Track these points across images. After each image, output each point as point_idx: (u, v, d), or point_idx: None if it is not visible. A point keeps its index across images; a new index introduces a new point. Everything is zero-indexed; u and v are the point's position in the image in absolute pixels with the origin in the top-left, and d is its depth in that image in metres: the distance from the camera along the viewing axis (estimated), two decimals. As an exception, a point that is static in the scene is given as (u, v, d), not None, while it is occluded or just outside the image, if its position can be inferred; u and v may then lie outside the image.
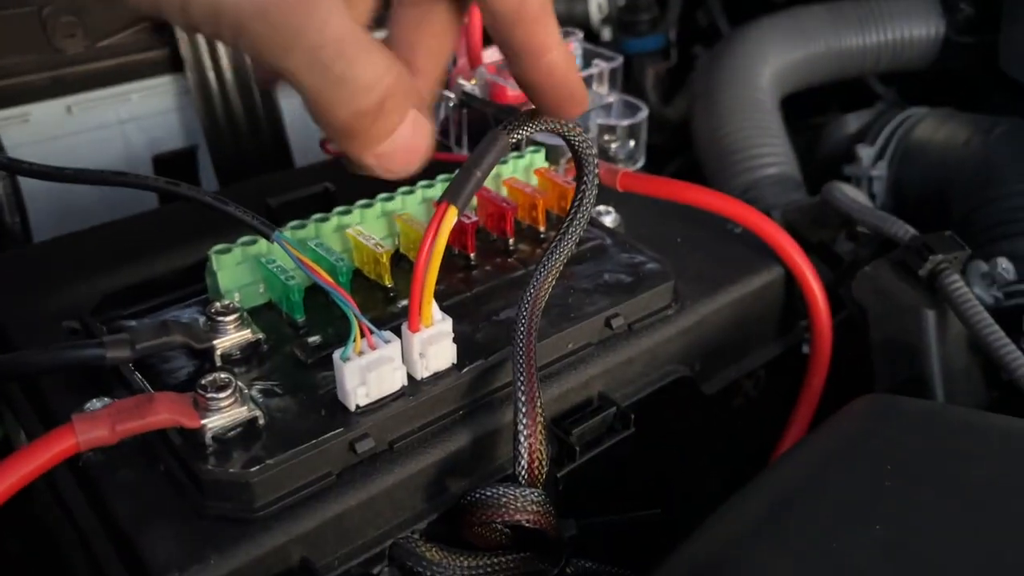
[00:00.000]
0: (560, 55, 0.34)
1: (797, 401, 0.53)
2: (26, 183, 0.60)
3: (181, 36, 0.66)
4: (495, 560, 0.38)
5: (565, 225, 0.40)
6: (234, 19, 0.26)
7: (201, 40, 0.67)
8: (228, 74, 0.69)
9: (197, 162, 0.71)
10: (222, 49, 0.68)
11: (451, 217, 0.35)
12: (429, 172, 0.38)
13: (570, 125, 0.39)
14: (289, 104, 0.71)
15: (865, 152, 0.73)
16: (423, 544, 0.37)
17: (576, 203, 0.40)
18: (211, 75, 0.68)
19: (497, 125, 0.37)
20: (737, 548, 0.35)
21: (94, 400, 0.37)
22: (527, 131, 0.38)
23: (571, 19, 0.92)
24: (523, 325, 0.38)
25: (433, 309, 0.37)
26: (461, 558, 0.37)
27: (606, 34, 0.95)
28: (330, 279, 0.36)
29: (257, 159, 0.69)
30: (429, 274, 0.36)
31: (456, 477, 0.38)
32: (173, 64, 0.68)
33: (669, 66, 0.96)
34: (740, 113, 0.71)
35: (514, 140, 0.38)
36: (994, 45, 0.76)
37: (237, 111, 0.69)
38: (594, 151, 0.40)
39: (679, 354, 0.46)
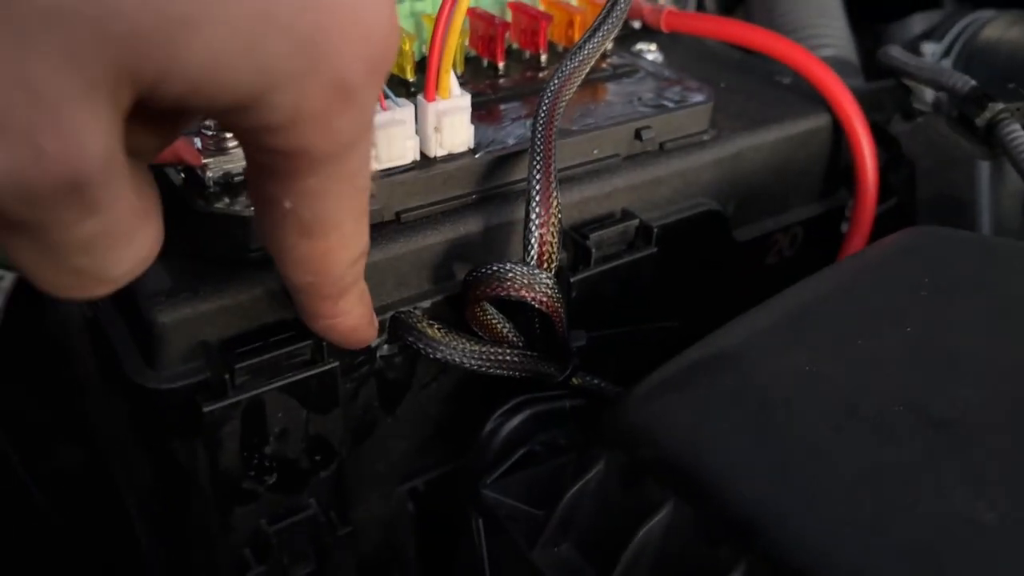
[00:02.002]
0: (342, 323, 0.29)
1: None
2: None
3: None
4: (498, 350, 0.36)
5: (600, 17, 0.38)
6: None
7: None
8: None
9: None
10: None
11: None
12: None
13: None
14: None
15: (930, 48, 0.70)
16: (425, 320, 0.35)
17: (613, -4, 0.38)
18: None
19: None
20: (751, 342, 0.33)
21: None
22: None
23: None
24: (545, 110, 0.36)
25: (452, 81, 0.36)
26: (463, 341, 0.35)
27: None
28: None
29: None
30: (449, 38, 0.34)
31: (463, 262, 0.37)
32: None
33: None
34: (799, -6, 0.68)
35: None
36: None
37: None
38: None
39: (712, 187, 0.44)
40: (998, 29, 0.69)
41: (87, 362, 0.44)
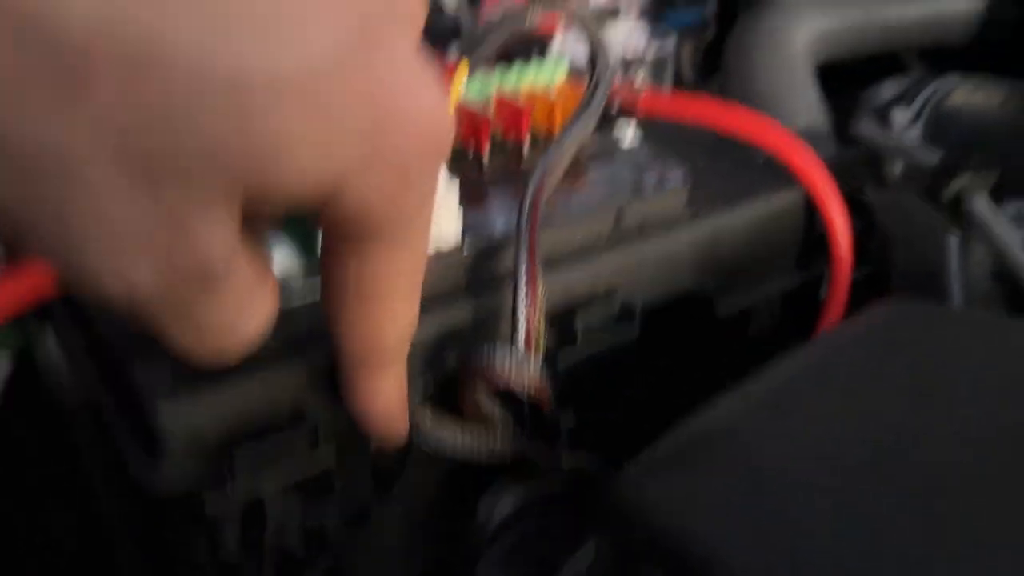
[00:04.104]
0: (378, 402, 0.31)
1: (813, 332, 0.52)
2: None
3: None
4: (489, 435, 0.37)
5: (579, 107, 0.40)
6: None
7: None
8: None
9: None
10: None
11: (464, 68, 0.35)
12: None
13: (585, 18, 0.40)
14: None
15: (900, 115, 0.72)
16: (418, 409, 0.36)
17: (591, 88, 0.41)
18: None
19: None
20: (737, 421, 0.34)
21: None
22: (539, 12, 0.38)
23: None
24: (529, 200, 0.38)
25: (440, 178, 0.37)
26: (455, 429, 0.36)
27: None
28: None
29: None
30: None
31: (454, 349, 0.38)
32: None
33: (707, 40, 0.96)
34: (771, 68, 0.71)
35: (529, 19, 0.38)
36: (1036, 16, 0.75)
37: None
38: (606, 43, 0.40)
39: (691, 265, 0.46)
40: (963, 95, 0.72)
41: (86, 440, 0.45)
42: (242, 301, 0.24)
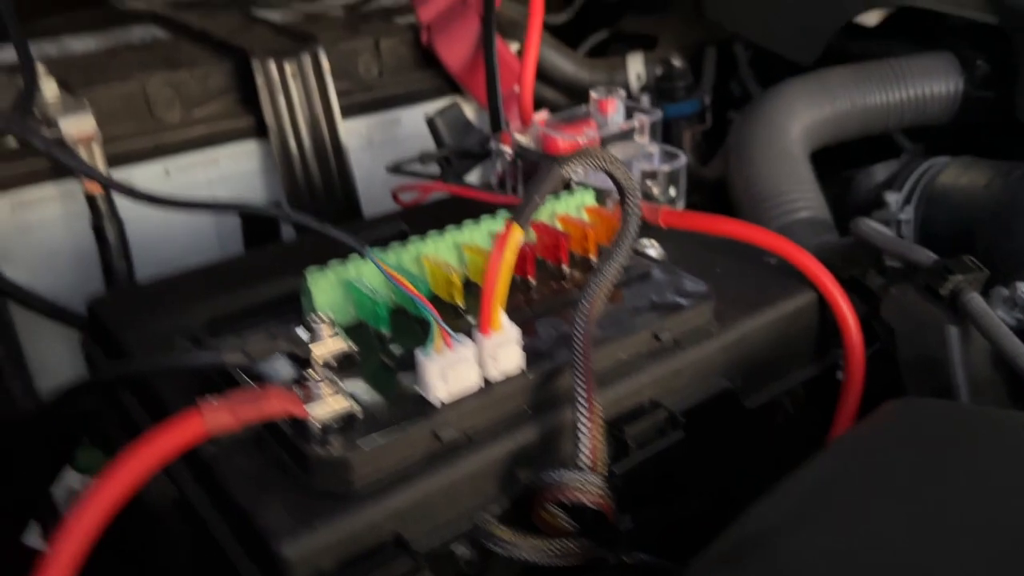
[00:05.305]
0: None
1: (834, 420, 0.57)
2: (132, 236, 0.67)
3: (266, 105, 0.74)
4: (561, 543, 0.42)
5: (614, 243, 0.46)
6: None
7: (283, 109, 0.75)
8: (307, 140, 0.76)
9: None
10: (301, 117, 0.76)
11: (516, 233, 0.41)
12: (492, 211, 0.44)
13: (615, 162, 0.46)
14: (359, 166, 0.79)
15: (893, 198, 0.78)
16: (497, 525, 0.41)
17: (623, 225, 0.46)
18: (291, 141, 0.76)
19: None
20: (778, 526, 0.39)
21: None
22: (577, 165, 0.44)
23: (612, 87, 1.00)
24: (580, 332, 0.44)
25: (502, 316, 0.43)
26: (531, 539, 0.41)
27: (645, 101, 1.02)
28: (414, 289, 0.42)
29: (332, 216, 0.76)
30: (499, 283, 0.42)
31: (525, 468, 0.43)
32: (258, 131, 0.76)
33: (705, 129, 1.03)
34: (771, 163, 0.77)
35: (567, 173, 0.44)
36: (1011, 98, 0.81)
37: (314, 173, 0.77)
38: (634, 182, 0.46)
39: (722, 368, 0.51)
40: (951, 176, 0.78)
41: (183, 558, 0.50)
42: None
